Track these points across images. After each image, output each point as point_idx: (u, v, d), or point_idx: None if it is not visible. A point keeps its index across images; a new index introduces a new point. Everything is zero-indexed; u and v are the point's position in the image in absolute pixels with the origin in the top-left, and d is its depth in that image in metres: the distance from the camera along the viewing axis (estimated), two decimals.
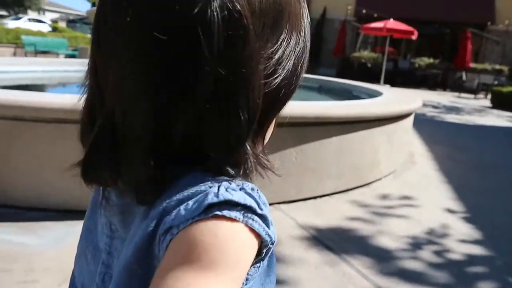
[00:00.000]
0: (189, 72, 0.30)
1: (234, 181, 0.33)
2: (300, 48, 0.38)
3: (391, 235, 2.34)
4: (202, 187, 0.31)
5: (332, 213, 2.59)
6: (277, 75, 0.35)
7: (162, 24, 0.30)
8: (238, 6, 0.30)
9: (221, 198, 0.30)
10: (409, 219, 2.61)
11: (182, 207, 0.30)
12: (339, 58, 19.11)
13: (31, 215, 2.24)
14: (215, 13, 0.29)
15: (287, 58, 0.36)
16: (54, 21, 36.97)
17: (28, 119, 2.14)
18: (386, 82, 13.58)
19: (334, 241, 2.20)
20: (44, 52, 15.43)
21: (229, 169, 0.34)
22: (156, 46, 0.30)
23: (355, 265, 1.96)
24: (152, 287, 0.28)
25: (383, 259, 2.05)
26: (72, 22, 36.58)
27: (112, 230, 0.41)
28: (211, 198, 0.30)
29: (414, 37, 14.21)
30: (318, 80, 7.31)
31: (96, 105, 0.36)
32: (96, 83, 0.35)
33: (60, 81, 6.73)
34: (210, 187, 0.31)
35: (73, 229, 2.11)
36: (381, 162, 3.25)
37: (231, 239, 0.29)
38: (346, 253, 2.07)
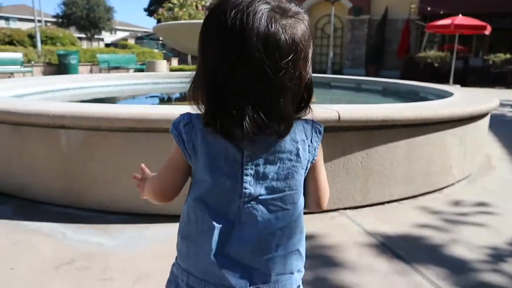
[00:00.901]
0: (306, 69, 0.75)
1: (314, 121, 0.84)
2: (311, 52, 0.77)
3: (468, 244, 2.17)
4: (307, 123, 0.83)
5: (401, 220, 2.46)
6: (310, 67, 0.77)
7: (300, 52, 0.74)
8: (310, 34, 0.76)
9: (320, 127, 0.85)
10: (488, 228, 2.40)
11: (315, 126, 0.85)
12: (403, 59, 18.30)
13: (106, 218, 2.39)
14: (309, 39, 0.75)
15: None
16: (124, 39, 39.52)
17: (103, 128, 2.30)
18: (455, 82, 12.76)
19: (404, 249, 2.08)
20: (116, 68, 16.62)
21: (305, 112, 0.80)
22: (303, 63, 0.75)
23: (428, 275, 1.84)
24: (320, 166, 0.86)
25: (459, 270, 1.90)
26: (140, 38, 38.96)
27: (245, 156, 0.76)
28: (317, 126, 0.84)
29: (487, 32, 13.20)
30: (382, 82, 7.06)
31: (241, 89, 0.71)
32: (248, 78, 0.71)
33: (130, 94, 7.18)
34: (311, 121, 0.83)
35: (144, 232, 2.22)
36: (454, 166, 3.04)
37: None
38: (418, 262, 1.95)
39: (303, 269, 0.87)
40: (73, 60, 14.71)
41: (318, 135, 0.84)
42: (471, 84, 13.05)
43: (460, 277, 1.83)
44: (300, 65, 0.73)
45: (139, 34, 45.46)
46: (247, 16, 0.68)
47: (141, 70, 17.14)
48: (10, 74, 13.07)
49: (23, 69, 13.15)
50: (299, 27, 0.72)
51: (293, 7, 0.73)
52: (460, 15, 13.32)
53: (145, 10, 43.19)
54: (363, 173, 2.52)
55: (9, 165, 2.66)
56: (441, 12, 16.04)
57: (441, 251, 2.09)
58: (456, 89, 4.99)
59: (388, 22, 20.72)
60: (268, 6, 0.70)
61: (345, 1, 20.81)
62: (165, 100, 6.15)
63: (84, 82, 7.06)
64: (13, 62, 13.13)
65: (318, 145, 0.83)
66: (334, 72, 19.07)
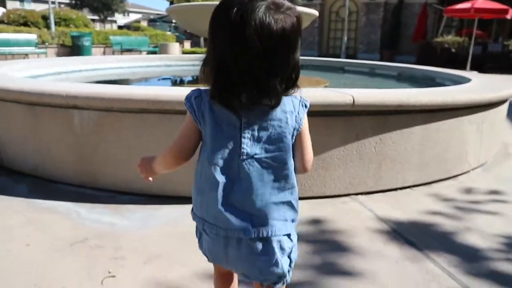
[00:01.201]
0: (294, 54, 0.93)
1: (301, 96, 1.01)
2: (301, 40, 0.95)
3: (481, 232, 2.14)
4: (296, 98, 1.00)
5: (414, 206, 2.43)
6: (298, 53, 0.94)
7: (290, 39, 0.91)
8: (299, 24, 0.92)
9: (306, 102, 1.02)
10: (503, 216, 2.36)
11: (302, 101, 1.01)
12: (419, 44, 17.89)
13: (119, 198, 2.41)
14: (298, 29, 0.92)
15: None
16: (137, 21, 39.44)
17: (116, 109, 2.30)
18: (473, 68, 12.45)
19: (416, 236, 2.06)
20: (129, 50, 16.63)
21: (294, 90, 0.98)
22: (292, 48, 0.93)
23: (440, 262, 1.82)
24: (304, 138, 1.03)
25: (472, 258, 1.88)
26: (153, 21, 38.81)
27: (243, 122, 0.95)
28: (303, 101, 1.01)
29: (508, 16, 12.78)
30: (397, 67, 6.93)
31: (240, 67, 0.88)
32: (247, 59, 0.88)
33: (143, 76, 7.19)
34: (299, 97, 1.01)
35: (155, 213, 2.24)
36: (469, 154, 2.98)
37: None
38: (430, 250, 1.93)
39: (296, 220, 1.06)
40: (86, 42, 14.74)
41: (304, 108, 1.02)
42: (489, 70, 12.72)
43: (473, 265, 1.81)
44: (288, 52, 0.92)
45: (151, 17, 45.27)
46: (247, 11, 0.86)
47: (154, 53, 17.10)
48: (25, 55, 13.18)
49: (37, 50, 13.24)
50: (289, 20, 0.90)
51: (286, 4, 0.91)
52: None
53: None
54: (377, 159, 2.48)
55: (25, 144, 2.69)
56: None
57: (454, 239, 2.06)
58: (473, 75, 4.87)
59: (404, 6, 20.20)
60: (264, 2, 0.88)
61: None
62: (177, 82, 6.14)
63: (97, 63, 7.08)
64: (27, 43, 13.21)
65: (303, 116, 1.01)
66: (348, 57, 18.78)
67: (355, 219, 2.23)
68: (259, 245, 1.00)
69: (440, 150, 2.72)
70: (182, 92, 2.22)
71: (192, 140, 1.02)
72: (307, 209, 2.34)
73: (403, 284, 1.66)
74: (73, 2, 32.83)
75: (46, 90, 2.39)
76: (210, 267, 1.71)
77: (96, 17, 33.88)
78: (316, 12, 4.88)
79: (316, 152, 2.36)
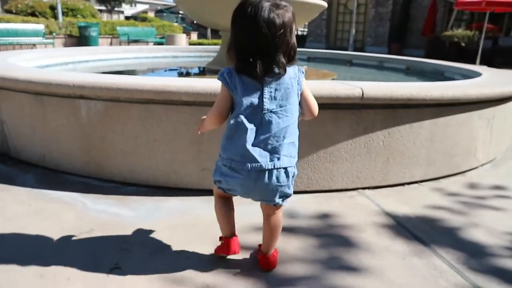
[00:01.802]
0: (291, 38, 1.36)
1: (298, 66, 1.45)
2: (295, 28, 1.37)
3: (489, 229, 2.11)
4: (295, 68, 1.43)
5: (422, 202, 2.41)
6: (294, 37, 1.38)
7: (286, 28, 1.33)
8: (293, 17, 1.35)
9: (302, 69, 1.44)
10: (511, 213, 2.33)
11: (300, 69, 1.45)
12: (428, 37, 17.66)
13: (125, 189, 2.41)
14: (292, 20, 1.34)
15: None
16: (144, 12, 39.33)
17: (123, 100, 2.29)
18: (483, 62, 12.28)
19: (424, 232, 2.04)
20: (136, 41, 16.62)
21: (293, 63, 1.41)
22: (289, 34, 1.35)
23: (447, 258, 1.80)
24: (307, 95, 1.48)
25: (479, 254, 1.86)
26: (160, 12, 38.70)
27: (264, 86, 1.37)
28: (301, 70, 1.44)
29: None
30: (406, 60, 6.85)
31: (255, 48, 1.33)
32: (259, 42, 1.32)
33: (149, 67, 7.19)
34: (297, 66, 1.44)
35: (161, 204, 2.23)
36: (478, 149, 2.94)
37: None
38: (437, 245, 1.91)
39: (297, 156, 1.47)
40: (93, 32, 14.73)
41: (302, 73, 1.45)
42: (499, 65, 12.54)
43: (480, 262, 1.79)
44: (286, 35, 1.34)
45: (159, 7, 45.12)
46: (257, 9, 1.30)
47: (161, 44, 17.08)
48: (33, 46, 13.21)
49: (45, 40, 13.26)
50: (287, 14, 1.33)
51: (283, 3, 1.34)
52: None
53: None
54: (385, 153, 2.46)
55: (32, 134, 2.70)
56: None
57: (461, 235, 2.04)
58: (484, 70, 4.79)
59: None
60: (269, 3, 1.31)
61: None
62: (184, 74, 6.12)
63: (104, 54, 7.07)
64: (35, 34, 13.23)
65: (302, 79, 1.45)
66: (355, 50, 18.61)
67: (362, 213, 2.22)
68: (275, 174, 1.40)
69: (449, 145, 2.68)
70: (188, 83, 2.20)
71: (227, 104, 1.44)
72: (314, 203, 2.32)
73: (410, 279, 1.64)
74: None
75: (53, 79, 2.38)
76: (216, 258, 1.71)
77: (103, 8, 33.84)
78: (325, 4, 4.82)
79: (324, 145, 2.34)
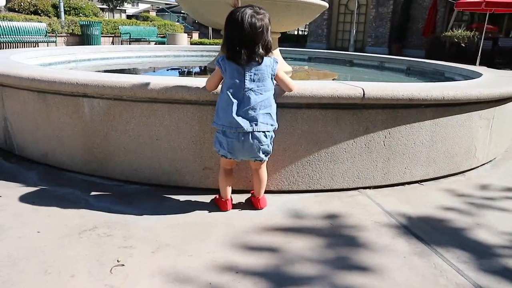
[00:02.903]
0: (267, 36, 1.89)
1: (273, 57, 1.98)
2: (270, 29, 1.91)
3: (491, 229, 2.13)
4: (271, 58, 1.95)
5: (422, 201, 2.42)
6: (269, 36, 1.90)
7: (263, 29, 1.87)
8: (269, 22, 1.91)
9: (277, 60, 1.98)
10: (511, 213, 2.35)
11: (275, 59, 1.97)
12: (428, 38, 17.66)
13: (127, 188, 2.43)
14: (268, 24, 1.90)
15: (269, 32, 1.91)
16: (146, 11, 39.29)
17: (126, 98, 2.31)
18: (483, 63, 12.28)
19: (425, 231, 2.06)
20: (137, 40, 16.61)
21: (269, 55, 1.94)
22: (265, 33, 1.89)
23: (448, 258, 1.82)
24: (282, 77, 2.07)
25: (480, 254, 1.87)
26: (162, 11, 38.70)
27: (245, 71, 1.90)
28: (275, 60, 1.98)
29: None
30: (406, 61, 6.86)
31: (241, 42, 1.86)
32: (243, 38, 1.85)
33: (151, 66, 7.21)
34: (273, 58, 1.97)
35: (163, 203, 2.25)
36: (478, 149, 2.95)
37: (279, 65, 2.01)
38: (438, 245, 1.93)
39: (275, 123, 1.98)
40: (95, 31, 14.73)
41: (276, 63, 1.96)
42: (499, 65, 12.54)
43: (482, 262, 1.80)
44: (264, 33, 1.86)
45: (160, 7, 45.10)
46: (243, 14, 1.83)
47: (162, 43, 17.08)
48: (35, 44, 13.22)
49: (47, 39, 13.27)
50: (265, 19, 1.87)
51: (261, 11, 1.88)
52: None
53: None
54: (385, 152, 2.47)
55: (36, 131, 2.71)
56: None
57: (463, 235, 2.05)
58: (484, 70, 4.80)
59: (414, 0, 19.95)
60: (251, 10, 1.84)
61: None
62: (185, 73, 6.13)
63: (106, 53, 7.09)
64: (38, 32, 13.24)
65: (276, 67, 1.96)
66: (356, 50, 18.62)
67: (363, 213, 2.23)
68: (256, 136, 1.91)
69: (449, 145, 2.70)
70: (191, 82, 2.22)
71: (218, 81, 2.05)
72: (315, 202, 2.34)
73: (411, 279, 1.66)
74: None
75: (57, 77, 2.39)
76: (217, 257, 1.73)
77: (105, 6, 33.82)
78: (326, 4, 4.83)
79: (325, 145, 2.36)
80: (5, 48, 12.61)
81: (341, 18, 22.21)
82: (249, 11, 1.83)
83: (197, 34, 21.28)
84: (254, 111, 1.89)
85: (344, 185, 2.47)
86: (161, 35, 17.74)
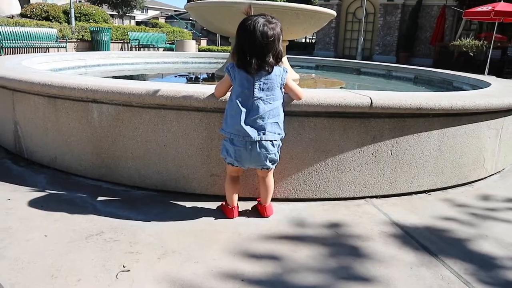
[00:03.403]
0: (278, 45, 1.88)
1: (283, 66, 1.97)
2: (282, 39, 1.91)
3: (498, 241, 2.10)
4: (281, 68, 1.94)
5: (429, 211, 2.40)
6: (281, 45, 1.90)
7: (275, 38, 1.87)
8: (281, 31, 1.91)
9: (286, 69, 1.98)
10: None
11: (284, 69, 1.97)
12: (436, 47, 17.63)
13: (134, 193, 2.45)
14: (280, 33, 1.89)
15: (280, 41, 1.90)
16: (155, 18, 39.67)
17: (135, 105, 2.33)
18: (491, 72, 12.22)
19: (432, 242, 2.04)
20: (146, 46, 16.77)
21: (279, 64, 1.93)
22: (277, 42, 1.88)
23: (455, 269, 1.80)
24: (291, 86, 2.07)
25: (488, 266, 1.85)
26: (171, 18, 39.10)
27: (255, 80, 1.89)
28: (285, 69, 1.97)
29: None
30: (414, 70, 6.85)
31: (252, 51, 1.86)
32: (255, 46, 1.85)
33: (159, 72, 7.28)
34: (283, 67, 1.96)
35: (170, 209, 2.26)
36: (487, 160, 2.93)
37: (289, 74, 1.99)
38: (445, 256, 1.91)
39: (282, 133, 1.98)
40: (105, 37, 14.91)
41: (285, 72, 1.96)
42: (508, 75, 12.47)
43: (489, 274, 1.78)
44: (275, 43, 1.85)
45: (169, 13, 45.55)
46: (255, 23, 1.82)
47: (171, 49, 17.20)
48: (46, 49, 13.41)
49: (57, 44, 13.45)
50: (277, 28, 1.86)
51: (274, 20, 1.87)
52: (502, 1, 12.65)
53: None
54: (392, 162, 2.46)
55: (45, 136, 2.74)
56: None
57: (470, 246, 2.03)
58: (492, 80, 4.78)
59: (422, 8, 19.95)
60: (264, 19, 1.84)
61: None
62: (192, 80, 6.17)
63: (116, 59, 7.17)
64: (48, 37, 13.44)
65: (286, 77, 1.96)
66: (363, 58, 18.62)
67: (370, 222, 2.22)
68: (263, 145, 1.90)
69: (457, 155, 2.68)
70: (199, 89, 2.23)
71: (227, 88, 2.06)
72: (322, 211, 2.33)
73: None
74: None
75: (67, 83, 2.43)
76: (222, 264, 1.73)
77: (115, 13, 34.21)
78: (334, 13, 4.85)
79: (332, 153, 2.36)
80: (17, 53, 12.80)
81: (349, 26, 22.26)
82: (261, 20, 1.82)
83: (205, 41, 21.44)
84: (263, 120, 1.88)
85: (350, 194, 2.46)
86: (170, 42, 17.89)
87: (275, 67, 1.90)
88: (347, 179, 2.42)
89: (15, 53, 12.74)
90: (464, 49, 15.12)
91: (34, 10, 16.87)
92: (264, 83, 1.88)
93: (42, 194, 2.38)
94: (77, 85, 2.38)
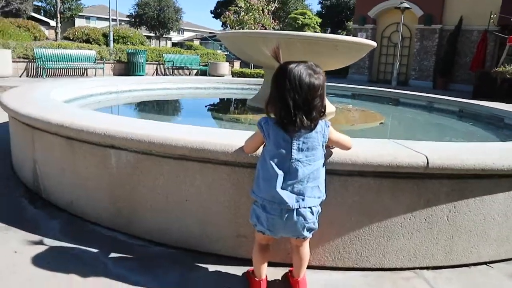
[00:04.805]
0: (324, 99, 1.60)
1: (324, 120, 1.67)
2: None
3: None
4: (322, 122, 1.64)
5: None
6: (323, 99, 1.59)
7: (322, 90, 1.58)
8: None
9: (328, 123, 1.67)
10: None
11: (326, 123, 1.67)
12: (476, 73, 16.85)
13: (152, 250, 2.19)
14: (325, 83, 1.60)
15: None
16: (190, 40, 40.72)
17: (155, 154, 2.11)
18: None
19: None
20: (180, 68, 17.02)
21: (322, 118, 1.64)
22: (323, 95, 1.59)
23: None
24: (336, 139, 1.77)
25: None
26: (205, 39, 39.96)
27: (293, 139, 1.59)
28: (327, 124, 1.67)
29: None
30: (457, 102, 6.40)
31: (296, 107, 1.53)
32: (300, 101, 1.54)
33: (189, 97, 7.23)
34: (324, 121, 1.66)
35: (189, 275, 1.98)
36: None
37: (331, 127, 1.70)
38: None
39: (322, 195, 1.69)
40: (141, 59, 15.23)
41: (327, 127, 1.67)
42: None
43: None
44: (320, 97, 1.58)
45: (204, 35, 46.60)
46: (299, 73, 1.54)
47: (204, 71, 17.37)
48: (84, 70, 13.82)
49: (95, 65, 13.83)
50: (322, 78, 1.58)
51: (318, 69, 1.59)
52: None
53: (212, 12, 44.12)
54: (449, 229, 2.09)
55: (62, 178, 2.57)
56: None
57: None
58: None
59: (462, 33, 19.24)
60: (306, 67, 1.56)
61: (416, 9, 19.64)
62: (222, 111, 5.99)
63: (148, 84, 7.15)
64: (87, 59, 13.89)
65: (328, 132, 1.67)
66: (399, 83, 18.07)
67: None
68: (301, 213, 1.61)
69: None
70: (227, 141, 1.97)
71: (258, 146, 1.80)
72: (364, 285, 1.98)
73: None
74: (133, 20, 34.47)
75: (84, 126, 2.24)
76: None
77: (152, 34, 35.33)
78: (374, 44, 4.56)
79: (377, 217, 2.02)
80: (58, 74, 13.26)
81: (384, 51, 21.80)
82: (304, 69, 1.53)
83: (239, 63, 21.56)
84: (301, 185, 1.60)
85: (397, 264, 2.10)
86: (203, 64, 18.07)
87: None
88: (394, 247, 2.07)
89: (56, 74, 13.20)
90: (508, 76, 14.31)
91: (76, 33, 17.57)
92: (303, 143, 1.59)
93: (52, 246, 2.17)
94: (94, 129, 2.19)
